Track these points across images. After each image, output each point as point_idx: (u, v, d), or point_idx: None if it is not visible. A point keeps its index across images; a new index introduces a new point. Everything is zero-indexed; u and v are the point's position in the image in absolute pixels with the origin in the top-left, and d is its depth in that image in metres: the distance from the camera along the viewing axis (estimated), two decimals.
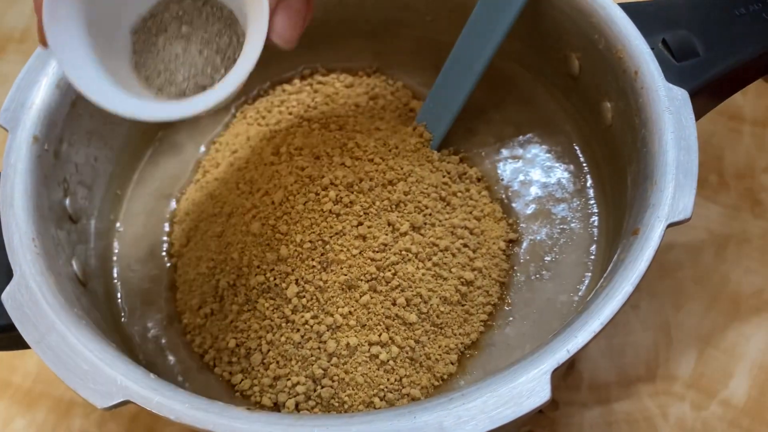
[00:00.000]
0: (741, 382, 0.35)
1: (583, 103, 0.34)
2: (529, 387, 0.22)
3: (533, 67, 0.37)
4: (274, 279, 0.30)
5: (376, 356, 0.29)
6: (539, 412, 0.35)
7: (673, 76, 0.30)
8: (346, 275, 0.30)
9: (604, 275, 0.26)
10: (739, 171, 0.41)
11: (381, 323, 0.29)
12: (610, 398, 0.35)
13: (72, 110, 0.32)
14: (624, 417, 0.35)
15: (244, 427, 0.22)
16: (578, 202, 0.34)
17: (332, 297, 0.29)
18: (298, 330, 0.29)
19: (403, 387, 0.29)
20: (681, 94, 0.29)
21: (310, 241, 0.30)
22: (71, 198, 0.32)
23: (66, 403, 0.37)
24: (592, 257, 0.32)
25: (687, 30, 0.32)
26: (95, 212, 0.34)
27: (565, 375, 0.36)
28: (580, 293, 0.31)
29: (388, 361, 0.29)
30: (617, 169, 0.32)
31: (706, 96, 0.31)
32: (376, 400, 0.29)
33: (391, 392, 0.29)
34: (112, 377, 0.24)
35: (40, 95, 0.31)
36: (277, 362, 0.29)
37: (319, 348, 0.29)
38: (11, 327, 0.26)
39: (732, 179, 0.40)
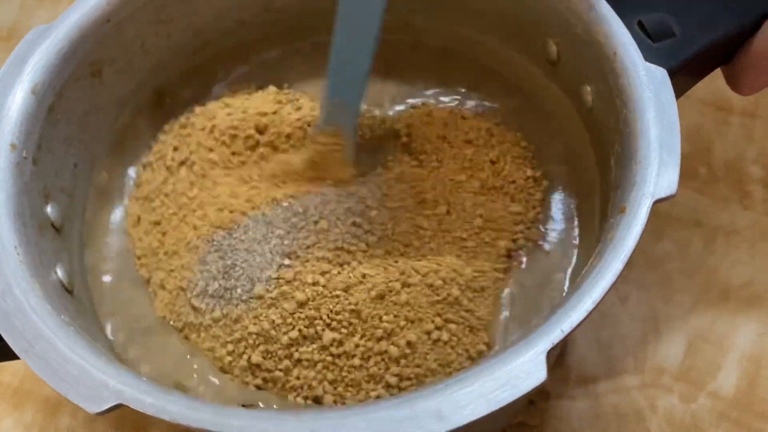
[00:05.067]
0: (730, 374, 0.35)
1: (563, 88, 0.35)
2: (525, 369, 0.22)
3: (511, 55, 0.37)
4: (306, 327, 0.29)
5: (438, 339, 0.29)
6: (530, 402, 0.35)
7: (651, 57, 0.30)
8: (373, 288, 0.29)
9: (593, 254, 0.26)
10: (728, 162, 0.41)
11: (429, 310, 0.29)
12: (598, 391, 0.35)
13: (49, 116, 0.31)
14: (612, 410, 0.35)
15: (240, 424, 0.22)
16: None
17: (371, 312, 0.29)
18: (354, 356, 0.29)
19: (469, 352, 0.30)
20: (660, 73, 0.29)
21: (324, 273, 0.30)
22: (52, 205, 0.31)
23: (54, 401, 0.36)
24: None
25: (662, 11, 0.32)
26: (77, 218, 0.34)
27: (553, 367, 0.36)
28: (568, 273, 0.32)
29: (450, 339, 0.29)
30: (600, 151, 0.32)
31: (685, 74, 0.31)
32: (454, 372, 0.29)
33: (461, 361, 0.29)
34: (103, 381, 0.23)
35: (16, 101, 0.30)
36: (350, 392, 0.29)
37: (383, 361, 0.29)
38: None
39: (721, 171, 0.40)
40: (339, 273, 0.29)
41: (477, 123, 0.36)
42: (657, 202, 0.26)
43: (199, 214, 0.32)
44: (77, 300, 0.30)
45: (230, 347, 0.29)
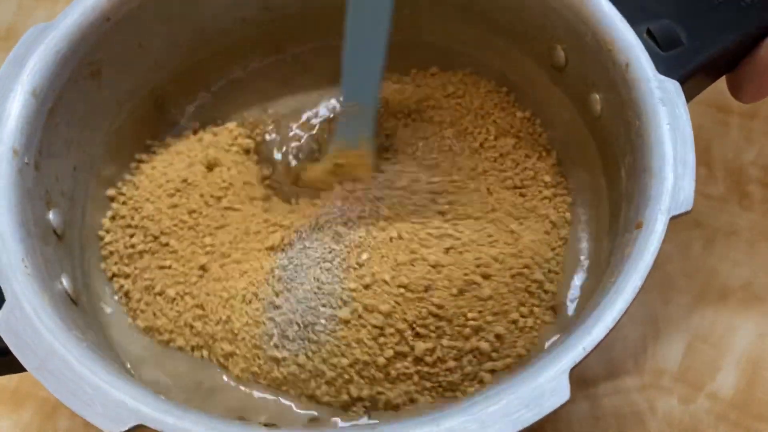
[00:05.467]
0: (729, 375, 0.36)
1: (569, 94, 0.35)
2: (549, 387, 0.23)
3: (517, 60, 0.37)
4: (397, 344, 0.28)
5: (524, 326, 0.30)
6: None
7: (660, 65, 0.30)
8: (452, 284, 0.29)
9: (609, 269, 0.27)
10: (727, 163, 0.41)
11: (513, 300, 0.29)
12: (597, 392, 0.35)
13: (49, 119, 0.30)
14: (612, 411, 0.35)
15: None
16: None
17: (455, 312, 0.28)
18: (447, 360, 0.28)
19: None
20: (673, 86, 0.29)
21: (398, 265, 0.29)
22: (54, 211, 0.30)
23: (52, 403, 0.36)
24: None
25: (670, 19, 0.32)
26: (78, 223, 0.33)
27: None
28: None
29: (534, 323, 0.30)
30: (608, 160, 0.32)
31: (693, 83, 0.31)
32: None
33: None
34: (121, 401, 0.23)
35: (16, 105, 0.29)
36: (448, 394, 0.28)
37: (476, 358, 0.28)
38: (5, 352, 0.25)
39: (720, 171, 0.41)
40: (413, 265, 0.29)
41: (447, 77, 0.36)
42: (673, 218, 0.26)
43: (236, 258, 0.31)
44: (83, 311, 0.30)
45: (324, 388, 0.28)
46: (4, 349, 0.25)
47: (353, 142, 0.33)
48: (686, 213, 0.26)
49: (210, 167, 0.34)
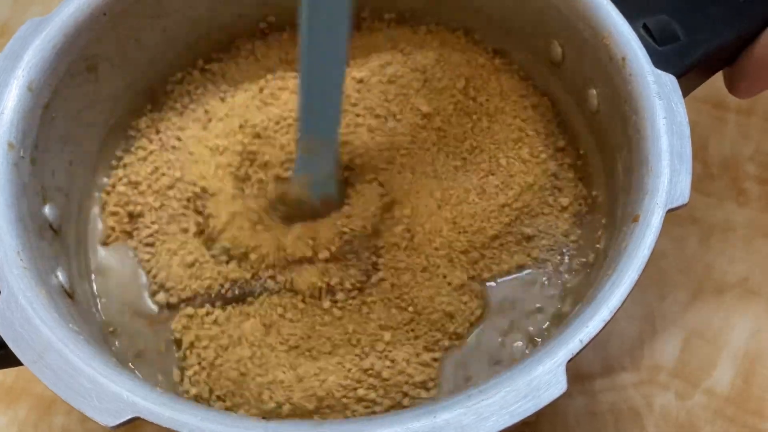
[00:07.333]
0: (725, 371, 0.36)
1: (566, 90, 0.35)
2: (545, 379, 0.23)
3: (514, 56, 0.37)
4: None
5: None
6: None
7: (657, 60, 0.30)
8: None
9: (606, 262, 0.27)
10: (723, 160, 0.41)
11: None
12: (594, 388, 0.36)
13: (45, 113, 0.30)
14: (608, 407, 0.35)
15: None
16: None
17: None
18: None
19: None
20: (670, 80, 0.29)
21: None
22: (50, 206, 0.30)
23: (48, 400, 0.36)
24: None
25: (667, 15, 0.32)
26: (73, 218, 0.33)
27: None
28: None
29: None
30: (605, 154, 0.32)
31: (689, 78, 0.32)
32: None
33: None
34: (117, 394, 0.23)
35: (12, 99, 0.29)
36: None
37: None
38: (1, 345, 0.25)
39: (717, 168, 0.41)
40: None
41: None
42: (670, 211, 0.26)
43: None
44: (78, 305, 0.30)
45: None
46: (1, 343, 0.25)
47: (315, 180, 0.32)
48: (683, 206, 0.26)
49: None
